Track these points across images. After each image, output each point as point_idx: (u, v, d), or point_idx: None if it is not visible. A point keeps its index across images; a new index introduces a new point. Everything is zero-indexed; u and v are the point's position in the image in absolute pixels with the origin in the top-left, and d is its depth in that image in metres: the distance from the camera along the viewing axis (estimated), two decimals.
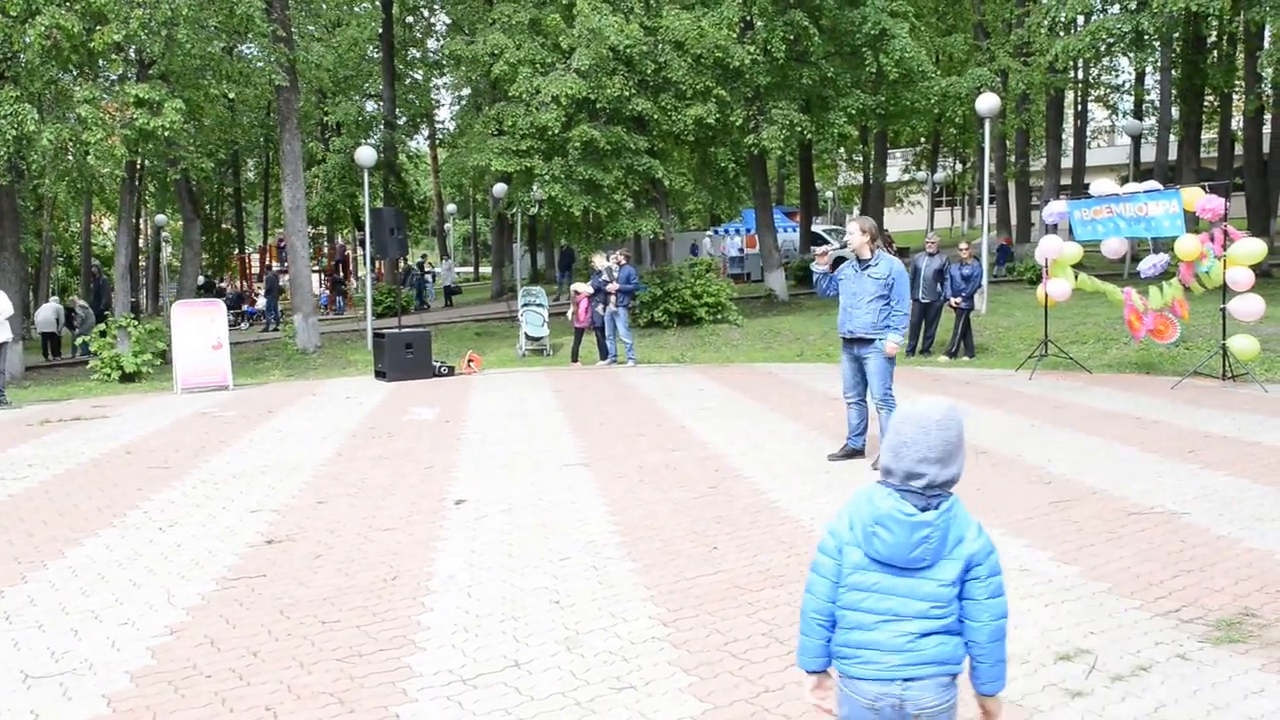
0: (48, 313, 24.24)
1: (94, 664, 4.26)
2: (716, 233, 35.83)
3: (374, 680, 3.98)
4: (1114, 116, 38.23)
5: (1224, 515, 5.78)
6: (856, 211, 41.31)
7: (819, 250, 7.72)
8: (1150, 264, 11.47)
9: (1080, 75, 31.51)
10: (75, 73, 16.97)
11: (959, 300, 14.18)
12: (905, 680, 2.28)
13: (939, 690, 2.30)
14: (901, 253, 31.55)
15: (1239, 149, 25.74)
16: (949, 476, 2.32)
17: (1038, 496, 6.41)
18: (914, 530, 2.28)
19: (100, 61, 16.73)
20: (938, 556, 2.30)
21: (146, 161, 20.38)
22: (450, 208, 45.64)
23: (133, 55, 16.88)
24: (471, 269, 55.57)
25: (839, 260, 7.73)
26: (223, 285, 36.26)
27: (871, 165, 29.70)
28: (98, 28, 15.23)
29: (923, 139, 39.63)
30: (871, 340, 7.41)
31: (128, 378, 15.85)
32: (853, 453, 7.76)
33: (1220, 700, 3.49)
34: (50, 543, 6.17)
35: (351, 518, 6.52)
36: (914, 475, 2.30)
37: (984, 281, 16.42)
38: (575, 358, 16.07)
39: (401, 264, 31.92)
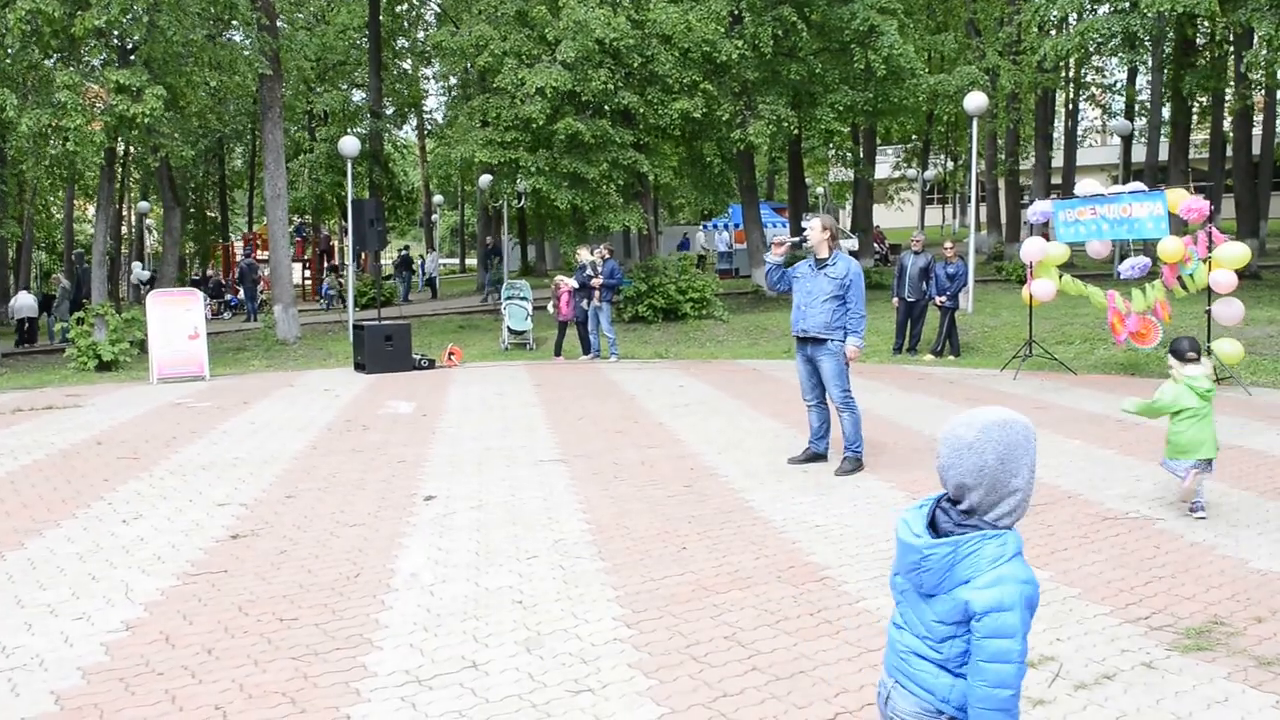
0: (26, 298, 23.96)
1: (46, 660, 4.17)
2: (706, 228, 35.78)
3: (328, 680, 3.90)
4: (1105, 116, 38.22)
5: (1199, 521, 5.74)
6: (849, 208, 41.30)
7: (775, 239, 7.52)
8: (1130, 265, 11.42)
9: (1071, 74, 31.49)
10: (56, 58, 16.77)
11: (944, 299, 14.14)
12: (896, 682, 2.23)
13: (919, 712, 2.18)
14: (893, 249, 31.53)
15: (1230, 150, 25.72)
16: (993, 508, 2.08)
17: None
18: (907, 552, 2.16)
19: (81, 47, 16.53)
20: (936, 588, 2.12)
21: (132, 148, 20.19)
22: (438, 199, 45.41)
23: (114, 41, 16.69)
24: (457, 260, 55.29)
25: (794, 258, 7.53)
26: (209, 274, 35.84)
27: (860, 162, 29.66)
28: (79, 13, 15.04)
29: (914, 136, 39.61)
30: (825, 341, 7.21)
31: (104, 366, 15.68)
32: (814, 456, 7.53)
33: (1183, 710, 3.44)
34: (11, 534, 6.06)
35: (319, 513, 6.43)
36: (956, 498, 2.16)
37: (969, 280, 16.38)
38: (558, 352, 15.98)
39: (394, 255, 31.71)
